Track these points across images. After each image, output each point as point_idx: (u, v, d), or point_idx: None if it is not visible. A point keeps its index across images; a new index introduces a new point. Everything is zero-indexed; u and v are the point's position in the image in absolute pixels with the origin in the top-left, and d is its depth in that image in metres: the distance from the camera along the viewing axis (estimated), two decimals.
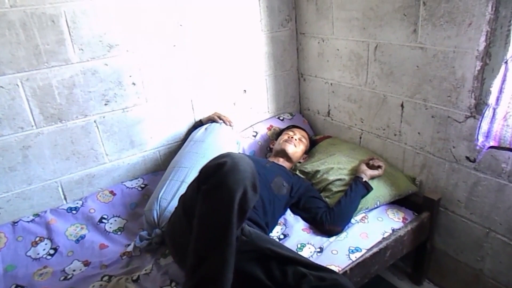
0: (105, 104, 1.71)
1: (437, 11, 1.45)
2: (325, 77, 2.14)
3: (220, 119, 1.93)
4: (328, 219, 1.57)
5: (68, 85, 1.59)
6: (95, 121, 1.70)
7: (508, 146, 1.33)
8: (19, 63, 1.47)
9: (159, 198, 1.55)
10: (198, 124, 1.97)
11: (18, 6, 1.41)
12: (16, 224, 1.57)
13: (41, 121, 1.58)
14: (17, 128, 1.53)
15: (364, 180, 1.66)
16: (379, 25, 1.71)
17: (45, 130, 1.60)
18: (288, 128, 2.08)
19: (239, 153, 1.73)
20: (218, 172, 1.10)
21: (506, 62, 1.26)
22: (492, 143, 1.37)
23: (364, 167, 1.72)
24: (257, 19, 2.06)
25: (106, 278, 1.38)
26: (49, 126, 1.60)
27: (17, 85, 1.49)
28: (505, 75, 1.27)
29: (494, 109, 1.32)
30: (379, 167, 1.73)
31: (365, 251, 1.47)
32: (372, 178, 1.70)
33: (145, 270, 1.38)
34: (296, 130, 2.03)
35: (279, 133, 2.09)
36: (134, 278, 1.35)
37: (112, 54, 1.66)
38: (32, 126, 1.56)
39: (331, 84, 2.11)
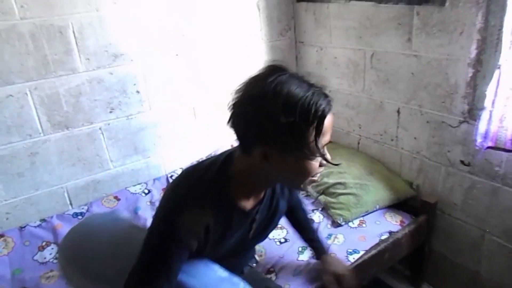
0: (110, 112, 1.76)
1: (430, 21, 1.50)
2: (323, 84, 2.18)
3: None
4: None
5: (74, 93, 1.64)
6: (100, 128, 1.75)
7: (503, 146, 1.38)
8: (28, 73, 1.52)
9: None
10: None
11: (28, 18, 1.47)
12: (23, 229, 1.60)
13: (48, 129, 1.62)
14: (25, 135, 1.58)
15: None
16: (375, 33, 1.76)
17: (52, 137, 1.64)
18: None
19: None
20: None
21: (499, 67, 1.32)
22: (489, 144, 1.42)
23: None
24: (257, 29, 2.11)
25: None
26: (56, 133, 1.65)
27: (26, 93, 1.54)
28: (499, 79, 1.33)
29: (491, 112, 1.37)
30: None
31: (363, 252, 1.50)
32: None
33: None
34: None
35: None
36: None
37: (117, 64, 1.71)
38: (40, 133, 1.61)
39: (330, 91, 2.12)
